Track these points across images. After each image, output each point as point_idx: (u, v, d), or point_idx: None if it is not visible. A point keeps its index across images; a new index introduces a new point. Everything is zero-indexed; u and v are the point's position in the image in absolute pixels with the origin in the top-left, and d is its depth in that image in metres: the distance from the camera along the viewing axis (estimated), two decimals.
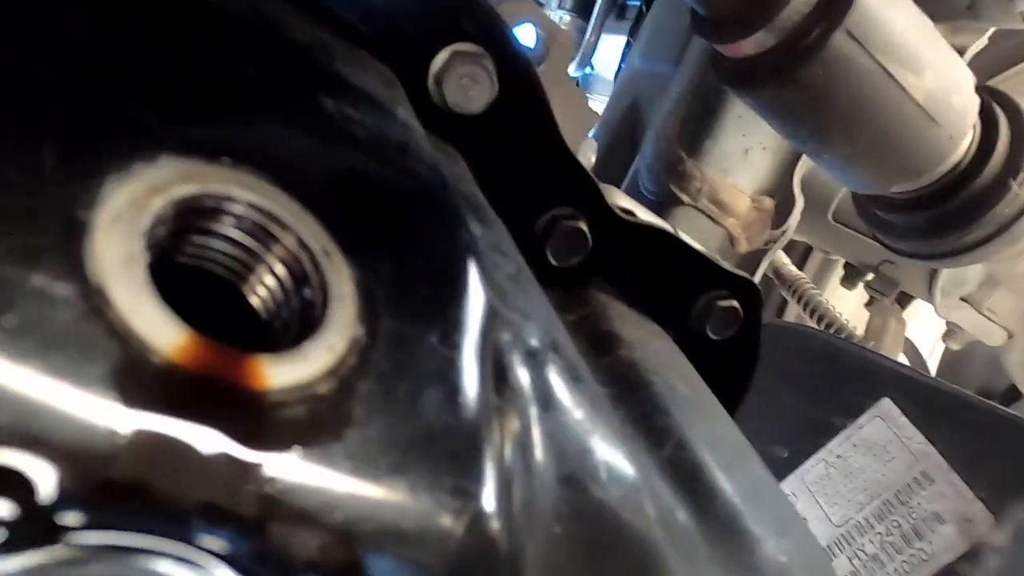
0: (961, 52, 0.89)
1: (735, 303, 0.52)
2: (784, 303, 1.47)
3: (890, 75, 0.61)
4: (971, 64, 0.90)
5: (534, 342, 0.26)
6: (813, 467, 0.86)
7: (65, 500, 0.13)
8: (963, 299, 1.23)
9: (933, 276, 1.17)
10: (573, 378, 0.27)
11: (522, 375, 0.24)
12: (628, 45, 1.33)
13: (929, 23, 0.64)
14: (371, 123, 0.26)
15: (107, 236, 0.16)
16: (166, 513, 0.15)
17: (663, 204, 1.06)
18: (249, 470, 0.15)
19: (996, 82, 1.37)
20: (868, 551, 0.79)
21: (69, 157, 0.16)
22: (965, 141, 0.68)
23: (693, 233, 1.17)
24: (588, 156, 0.98)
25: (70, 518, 0.14)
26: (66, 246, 0.15)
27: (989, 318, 1.21)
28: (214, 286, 0.20)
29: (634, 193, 1.11)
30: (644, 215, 0.52)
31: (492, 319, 0.24)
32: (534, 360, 0.25)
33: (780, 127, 0.68)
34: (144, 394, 0.15)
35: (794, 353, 0.95)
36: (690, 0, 0.62)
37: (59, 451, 0.13)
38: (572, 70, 1.40)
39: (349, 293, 0.19)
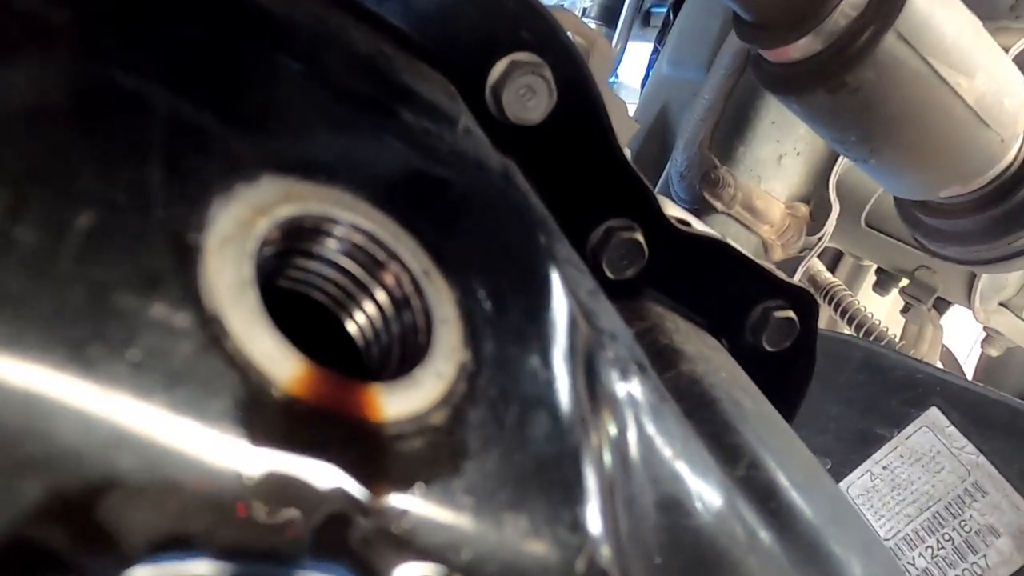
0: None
1: (791, 314, 0.51)
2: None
3: (941, 78, 0.59)
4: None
5: (623, 363, 0.25)
6: (858, 479, 0.84)
7: (201, 548, 0.12)
8: (1002, 304, 1.20)
9: (972, 281, 1.15)
10: (660, 398, 0.26)
11: (617, 395, 0.23)
12: (655, 52, 1.32)
13: (979, 24, 0.62)
14: (448, 136, 0.25)
15: (218, 260, 0.15)
16: (298, 556, 0.14)
17: (696, 212, 1.05)
18: (376, 507, 0.14)
19: None
20: (919, 565, 0.77)
21: (174, 179, 0.15)
22: (1016, 144, 0.66)
23: None
24: None
25: (201, 567, 0.13)
26: (181, 272, 0.14)
27: None
28: (306, 310, 0.19)
29: None
30: (698, 226, 0.51)
31: (583, 338, 0.23)
32: (625, 381, 0.24)
33: (827, 133, 0.66)
34: (268, 430, 0.14)
35: (836, 362, 0.94)
36: (734, 4, 0.61)
37: (190, 494, 0.12)
38: None
39: (452, 316, 0.18)
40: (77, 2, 0.17)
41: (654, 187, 1.21)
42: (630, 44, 1.48)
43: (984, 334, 1.28)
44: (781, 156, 1.03)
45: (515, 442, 0.17)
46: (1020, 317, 1.19)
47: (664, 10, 1.33)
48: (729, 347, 0.52)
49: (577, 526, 0.17)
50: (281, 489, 0.13)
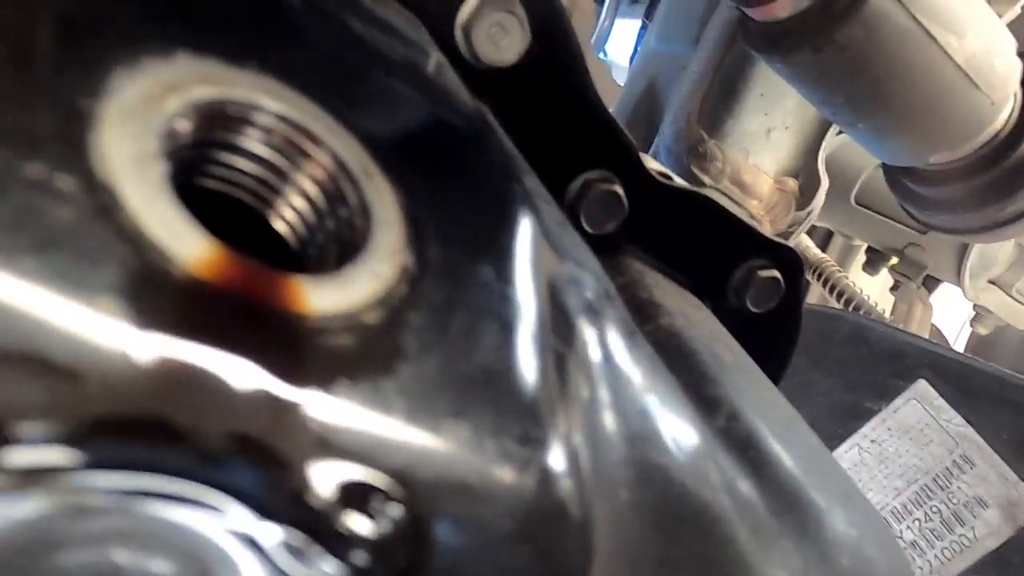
0: None
1: (776, 273, 0.50)
2: (807, 287, 1.44)
3: (931, 36, 0.58)
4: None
5: (590, 290, 0.23)
6: (846, 452, 0.83)
7: (61, 435, 0.11)
8: (992, 281, 1.19)
9: (962, 258, 1.14)
10: (629, 333, 0.24)
11: (584, 322, 0.21)
12: (643, 28, 1.30)
13: None
14: (401, 51, 0.23)
15: (116, 131, 0.13)
16: (185, 451, 0.12)
17: None
18: (289, 404, 0.13)
19: None
20: (907, 538, 0.76)
21: (68, 38, 0.13)
22: (1007, 108, 0.65)
23: None
24: None
25: (65, 457, 0.11)
26: (67, 135, 0.12)
27: (1019, 300, 1.18)
28: (239, 213, 0.18)
29: None
30: (680, 180, 0.49)
31: (547, 258, 0.21)
32: (592, 309, 0.23)
33: (814, 95, 0.65)
34: (162, 312, 0.12)
35: (823, 336, 0.93)
36: None
37: (55, 373, 0.11)
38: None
39: (394, 217, 0.16)
40: None
41: None
42: (619, 21, 1.46)
43: (974, 312, 1.27)
44: (770, 130, 1.02)
45: (461, 350, 0.16)
46: (1009, 295, 1.18)
47: None
48: (712, 308, 0.50)
49: (528, 440, 0.16)
50: (176, 379, 0.12)
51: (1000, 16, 0.87)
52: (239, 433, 0.12)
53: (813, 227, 1.63)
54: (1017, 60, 0.64)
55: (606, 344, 0.23)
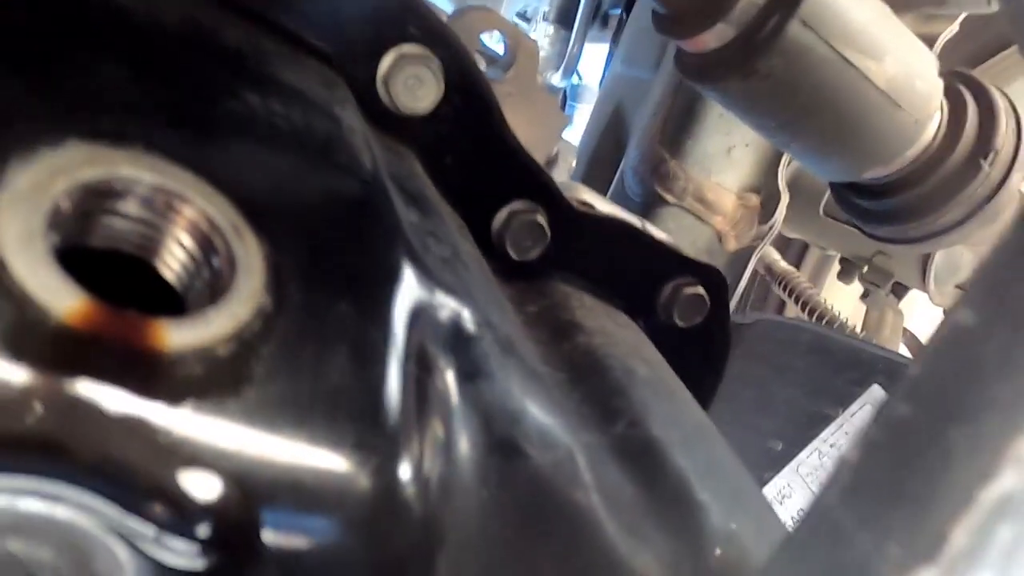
0: (932, 40, 0.90)
1: (700, 290, 0.53)
2: (784, 302, 1.47)
3: (849, 62, 0.61)
4: (953, 53, 0.91)
5: (463, 317, 0.27)
6: (807, 458, 0.86)
7: None
8: (958, 286, 1.22)
9: (926, 264, 1.17)
10: (504, 351, 0.28)
11: (446, 347, 0.25)
12: (611, 53, 1.35)
13: (886, 8, 0.65)
14: (297, 119, 0.27)
15: (7, 214, 0.17)
16: (62, 462, 0.16)
17: (649, 205, 1.07)
18: (143, 421, 0.16)
19: (981, 70, 1.38)
20: None
21: None
22: (932, 124, 0.68)
23: (680, 232, 1.18)
24: (568, 160, 0.99)
25: None
26: None
27: None
28: (136, 268, 0.21)
29: (620, 196, 1.12)
30: (605, 207, 0.53)
31: (415, 294, 0.25)
32: (462, 334, 0.26)
33: (748, 120, 0.69)
34: (37, 352, 0.16)
35: (786, 347, 0.96)
36: None
37: None
38: (557, 80, 1.41)
39: (257, 266, 0.20)
40: None
41: (610, 183, 1.23)
42: (592, 46, 1.51)
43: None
44: (730, 148, 1.05)
45: (306, 373, 0.19)
46: None
47: (619, 11, 1.36)
48: (644, 326, 0.54)
49: (364, 444, 0.19)
50: (53, 404, 0.15)
51: (939, 34, 0.91)
52: (104, 445, 0.16)
53: (789, 239, 1.66)
54: (938, 79, 0.68)
55: (476, 363, 0.26)
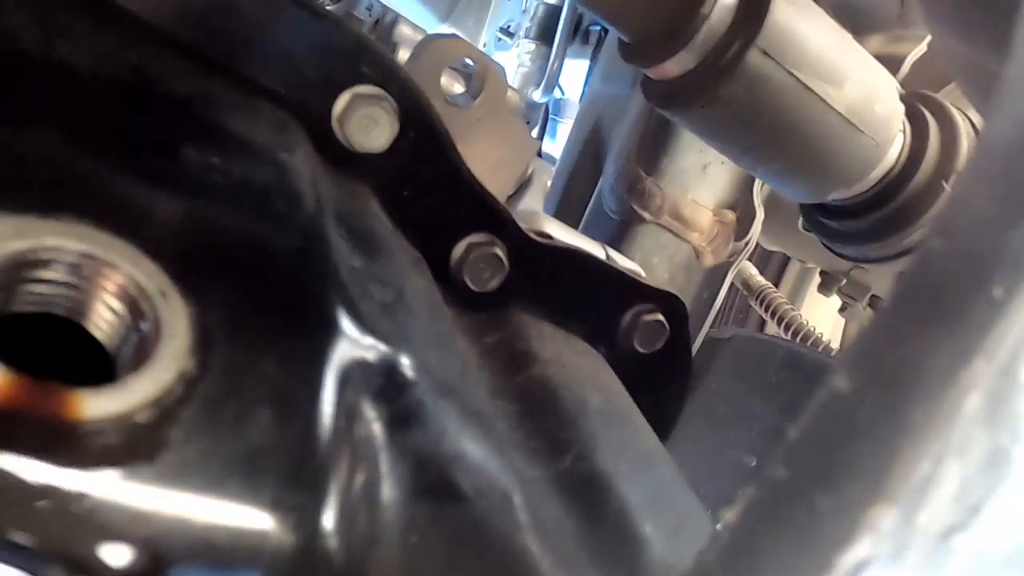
0: (900, 60, 0.91)
1: (660, 316, 0.54)
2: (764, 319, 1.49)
3: (809, 88, 0.63)
4: (916, 73, 0.92)
5: (396, 364, 0.28)
6: None
7: None
8: None
9: None
10: (440, 395, 0.29)
11: (377, 397, 0.26)
12: (591, 69, 1.36)
13: (846, 34, 0.66)
14: (237, 171, 0.28)
15: None
16: None
17: (626, 223, 1.08)
18: (61, 491, 0.17)
19: (950, 90, 1.39)
20: None
21: None
22: (894, 147, 0.70)
23: (658, 249, 1.19)
24: (543, 180, 1.00)
25: None
26: None
27: None
28: (68, 330, 0.22)
29: (599, 213, 1.13)
30: (567, 237, 0.54)
31: (346, 346, 0.26)
32: (393, 381, 0.27)
33: (713, 144, 0.70)
34: None
35: (761, 362, 0.97)
36: (614, 27, 0.65)
37: None
38: (538, 96, 1.43)
39: (182, 330, 0.21)
40: None
41: (589, 199, 1.24)
42: (573, 62, 1.52)
43: None
44: (706, 165, 1.06)
45: (227, 434, 0.20)
46: None
47: (599, 28, 1.38)
48: (607, 353, 0.54)
49: (281, 503, 0.20)
50: None
51: (906, 54, 0.92)
52: (22, 516, 0.16)
53: (770, 253, 1.68)
54: (899, 103, 0.69)
55: (408, 410, 0.27)
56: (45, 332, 0.21)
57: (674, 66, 0.64)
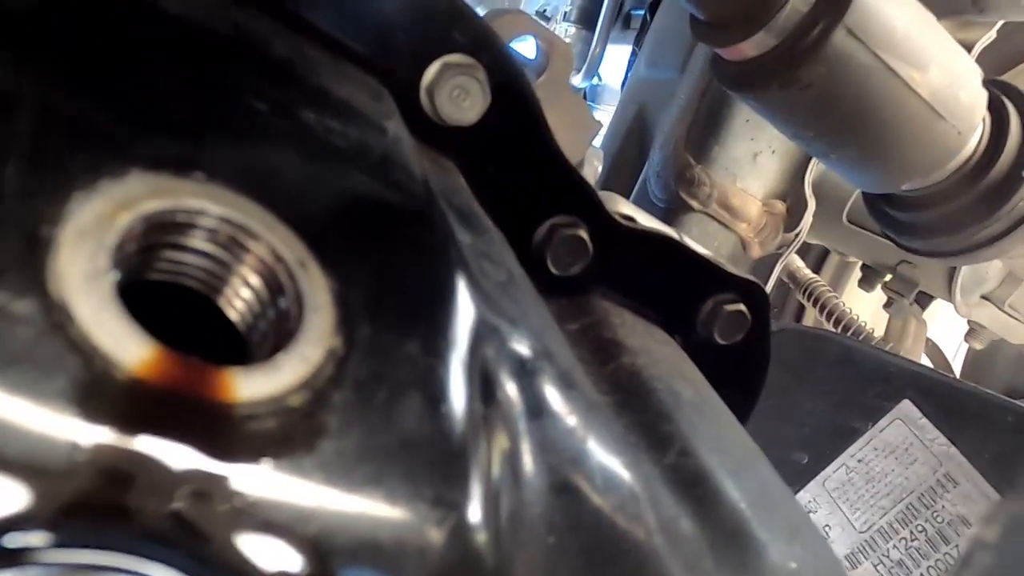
0: (969, 47, 0.88)
1: (742, 307, 0.52)
2: (803, 308, 1.46)
3: (893, 71, 0.60)
4: (982, 59, 0.89)
5: (524, 350, 0.25)
6: (834, 472, 0.84)
7: (28, 520, 0.13)
8: (984, 297, 1.21)
9: (952, 275, 1.15)
10: (566, 385, 0.26)
11: (510, 383, 0.24)
12: (634, 54, 1.33)
13: (932, 18, 0.63)
14: (354, 135, 0.26)
15: (71, 252, 0.16)
16: (130, 529, 0.14)
17: (673, 211, 1.05)
18: (216, 483, 0.15)
19: (1010, 76, 1.36)
20: (893, 557, 0.77)
21: (34, 173, 0.16)
22: (975, 136, 0.67)
23: (704, 239, 1.16)
24: (595, 165, 0.98)
25: (34, 539, 0.13)
26: (28, 263, 0.15)
27: (1011, 315, 1.19)
28: (196, 302, 0.20)
29: (643, 201, 1.10)
30: (647, 221, 0.51)
31: (478, 327, 0.23)
32: (524, 368, 0.25)
33: (785, 129, 0.67)
34: (107, 409, 0.14)
35: (811, 357, 0.94)
36: (688, 5, 0.62)
37: (16, 468, 0.13)
38: (578, 81, 1.40)
39: (325, 304, 0.19)
40: None
41: (632, 187, 1.21)
42: (612, 47, 1.49)
43: (968, 327, 1.28)
44: (756, 154, 1.04)
45: (382, 423, 0.18)
46: (1002, 309, 1.19)
47: (642, 12, 1.34)
48: (683, 342, 0.52)
49: (442, 501, 0.18)
50: (122, 466, 0.14)
51: (975, 41, 0.89)
52: (174, 511, 0.14)
53: (809, 245, 1.64)
54: (982, 90, 0.66)
55: (538, 400, 0.25)
56: (160, 300, 0.19)
57: (751, 47, 0.61)
